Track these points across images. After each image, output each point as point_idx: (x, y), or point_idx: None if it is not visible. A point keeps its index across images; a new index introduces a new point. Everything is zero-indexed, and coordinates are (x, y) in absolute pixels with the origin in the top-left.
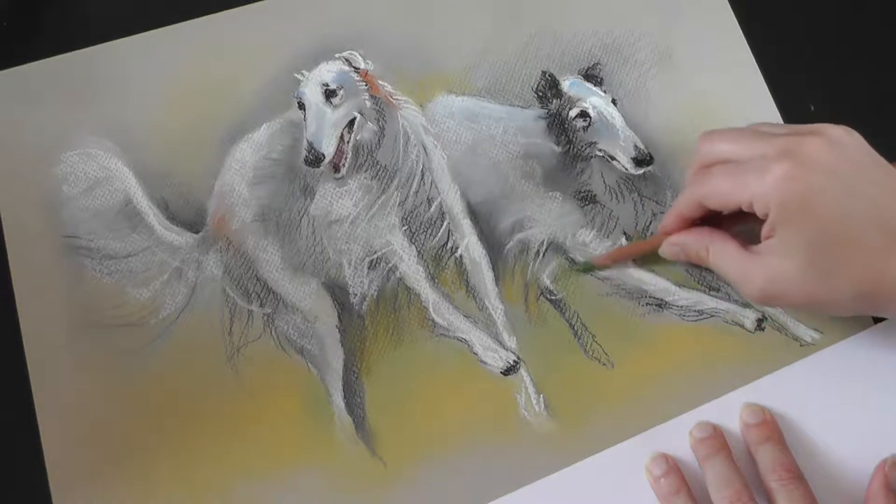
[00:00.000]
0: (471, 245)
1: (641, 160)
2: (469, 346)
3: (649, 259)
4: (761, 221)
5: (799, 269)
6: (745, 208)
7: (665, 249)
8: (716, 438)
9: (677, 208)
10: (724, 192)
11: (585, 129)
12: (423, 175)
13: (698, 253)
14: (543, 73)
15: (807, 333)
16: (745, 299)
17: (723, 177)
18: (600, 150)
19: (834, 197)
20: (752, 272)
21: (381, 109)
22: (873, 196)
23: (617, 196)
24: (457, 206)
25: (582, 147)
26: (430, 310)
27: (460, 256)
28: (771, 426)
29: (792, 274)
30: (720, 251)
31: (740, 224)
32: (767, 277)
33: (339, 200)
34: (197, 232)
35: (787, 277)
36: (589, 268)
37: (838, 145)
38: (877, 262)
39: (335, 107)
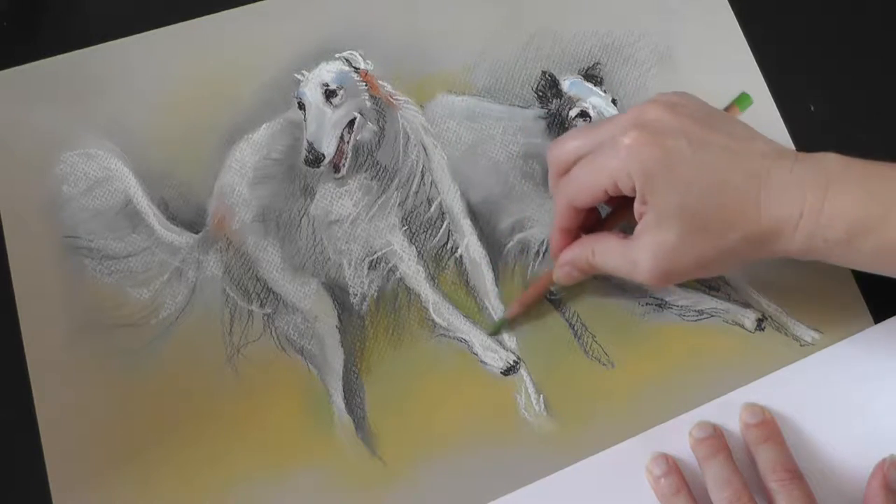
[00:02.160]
0: (471, 245)
1: None
2: (469, 346)
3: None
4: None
5: (679, 237)
6: (611, 192)
7: (558, 275)
8: (716, 439)
9: (556, 224)
10: (587, 183)
11: None
12: (423, 175)
13: (587, 260)
14: (543, 72)
15: (807, 333)
16: (644, 285)
17: (580, 170)
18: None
19: (689, 154)
20: (637, 257)
21: (381, 109)
22: (725, 144)
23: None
24: (457, 206)
25: None
26: (430, 310)
27: (460, 256)
28: (771, 426)
29: (674, 243)
30: (603, 250)
31: (621, 221)
32: (653, 255)
33: (339, 200)
34: (197, 232)
35: (671, 248)
36: (501, 325)
37: (677, 106)
38: (749, 207)
39: (335, 107)
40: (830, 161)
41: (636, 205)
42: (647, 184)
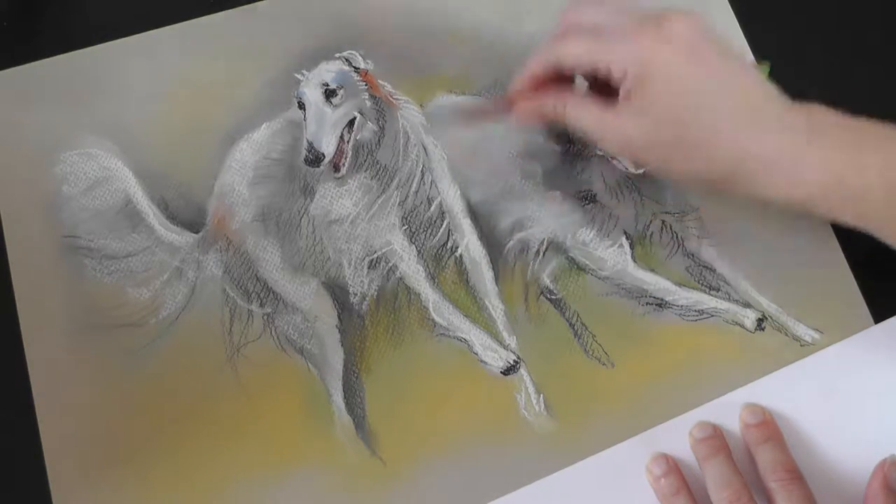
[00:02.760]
0: (471, 245)
1: None
2: (469, 345)
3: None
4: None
5: (654, 137)
6: (600, 69)
7: (519, 110)
8: (715, 439)
9: (530, 68)
10: (586, 52)
11: None
12: (423, 175)
13: (555, 108)
14: None
15: (807, 333)
16: (605, 152)
17: (585, 38)
18: (600, 150)
19: (692, 70)
20: (610, 126)
21: (381, 109)
22: (730, 74)
23: (617, 195)
24: (457, 206)
25: (582, 146)
26: (430, 309)
27: (460, 256)
28: (771, 426)
29: (647, 140)
30: (579, 106)
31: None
32: (624, 133)
33: (339, 200)
34: (197, 232)
35: (644, 135)
36: None
37: (702, 29)
38: (732, 137)
39: (335, 106)
40: (819, 113)
41: (622, 91)
42: (641, 78)
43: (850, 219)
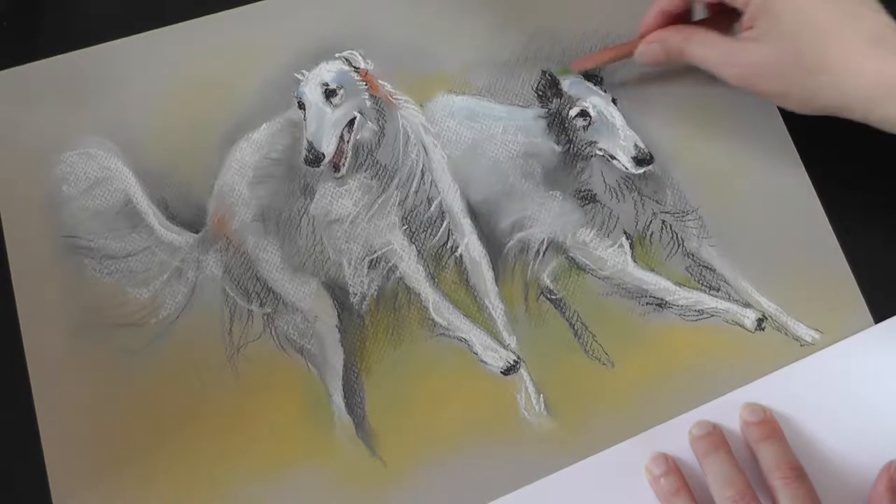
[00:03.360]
0: (471, 244)
1: (642, 159)
2: (469, 345)
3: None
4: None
5: (778, 57)
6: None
7: (643, 49)
8: (715, 435)
9: (659, 4)
10: None
11: (585, 128)
12: (423, 174)
13: (679, 46)
14: (543, 72)
15: (807, 333)
16: (725, 81)
17: None
18: (600, 150)
19: None
20: (734, 54)
21: (381, 109)
22: (854, 4)
23: (617, 195)
24: (457, 206)
25: (582, 146)
26: (430, 309)
27: (460, 256)
28: (772, 424)
29: (772, 59)
30: (703, 39)
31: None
32: (747, 60)
33: (339, 200)
34: (197, 232)
35: (767, 61)
36: (565, 72)
37: None
38: (867, 63)
39: (335, 106)
40: None
41: (746, 19)
42: (764, 12)
43: None
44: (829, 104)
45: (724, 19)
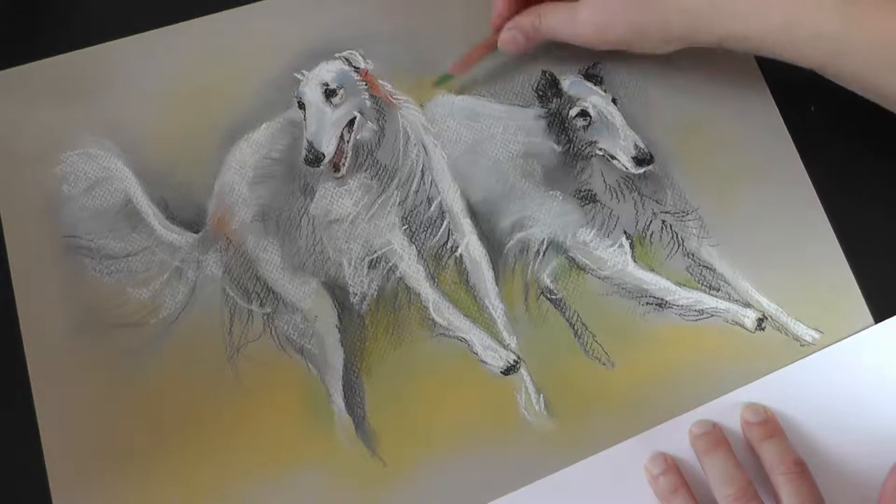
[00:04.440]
0: (471, 244)
1: (642, 159)
2: (469, 345)
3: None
4: None
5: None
6: None
7: (503, 38)
8: (714, 433)
9: None
10: None
11: (585, 128)
12: (423, 174)
13: (532, 24)
14: (543, 72)
15: (807, 333)
16: (582, 44)
17: None
18: (600, 150)
19: None
20: (579, 14)
21: (381, 109)
22: None
23: (617, 195)
24: (457, 206)
25: (582, 146)
26: (430, 309)
27: (460, 256)
28: (773, 424)
29: (614, 6)
30: (549, 12)
31: None
32: (593, 11)
33: (339, 200)
34: (197, 232)
35: (611, 8)
36: (446, 79)
37: None
38: None
39: (335, 106)
40: None
41: None
42: None
43: (803, 60)
44: (682, 32)
45: None
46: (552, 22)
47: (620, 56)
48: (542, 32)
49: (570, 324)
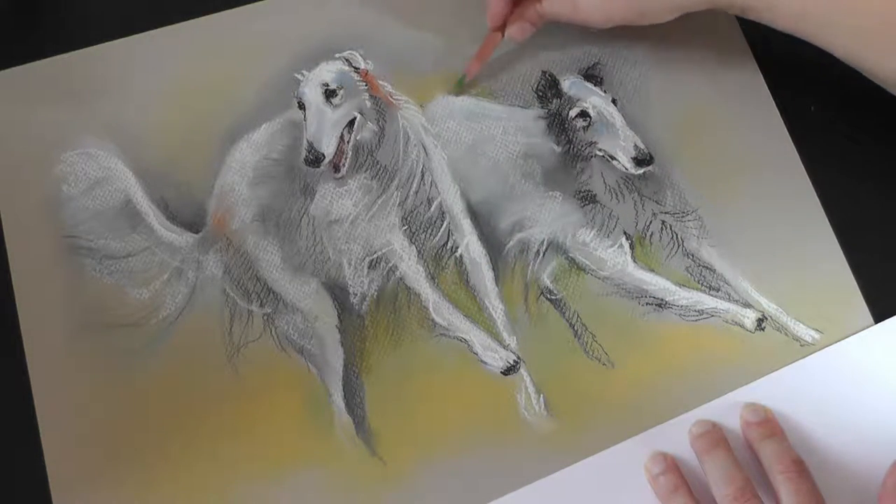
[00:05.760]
0: (471, 245)
1: (642, 160)
2: (469, 345)
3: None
4: None
5: None
6: None
7: (513, 29)
8: (714, 433)
9: None
10: None
11: (585, 128)
12: (423, 175)
13: (535, 10)
14: (543, 72)
15: (807, 333)
16: (587, 26)
17: None
18: (600, 150)
19: None
20: (579, 2)
21: (382, 109)
22: None
23: (617, 196)
24: (457, 206)
25: (582, 147)
26: (431, 309)
27: (460, 256)
28: (773, 423)
29: None
30: (550, 2)
31: None
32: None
33: (339, 200)
34: (197, 232)
35: None
36: (462, 81)
37: None
38: None
39: (335, 107)
40: None
41: None
42: None
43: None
44: (685, 5)
45: None
46: (555, 8)
47: (620, 56)
48: (547, 19)
49: (570, 324)
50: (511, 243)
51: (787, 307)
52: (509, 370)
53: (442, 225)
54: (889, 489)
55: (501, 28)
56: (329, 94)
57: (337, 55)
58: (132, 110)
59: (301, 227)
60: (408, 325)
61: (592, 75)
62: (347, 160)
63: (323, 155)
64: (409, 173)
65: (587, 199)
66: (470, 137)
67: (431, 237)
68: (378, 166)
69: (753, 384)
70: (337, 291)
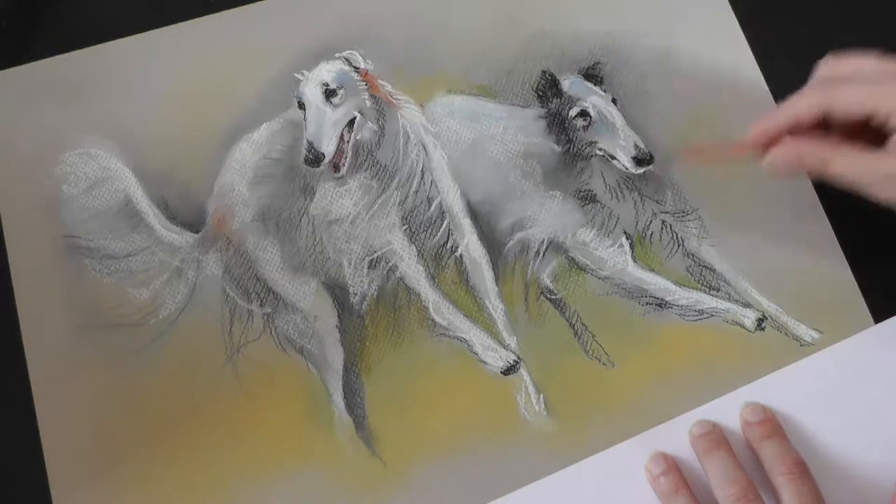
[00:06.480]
0: (471, 244)
1: (642, 159)
2: (469, 345)
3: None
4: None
5: None
6: (878, 115)
7: (775, 157)
8: (715, 433)
9: (794, 112)
10: (859, 100)
11: (585, 128)
12: (423, 174)
13: (822, 159)
14: (543, 72)
15: (807, 333)
16: (886, 201)
17: (858, 86)
18: (600, 150)
19: None
20: (884, 168)
21: (381, 109)
22: None
23: (617, 195)
24: (457, 206)
25: (582, 146)
26: (430, 309)
27: (460, 256)
28: (773, 423)
29: None
30: (848, 157)
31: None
32: None
33: (339, 200)
34: (197, 232)
35: None
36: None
37: None
38: None
39: (335, 106)
40: None
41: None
42: None
43: None
44: None
45: (860, 135)
46: (846, 170)
47: (620, 56)
48: (832, 174)
49: (570, 324)
50: (511, 243)
51: (787, 307)
52: (509, 370)
53: (442, 224)
54: None
55: (761, 147)
56: (329, 93)
57: (337, 55)
58: (132, 110)
59: (301, 226)
60: (408, 324)
61: (592, 75)
62: (347, 160)
63: (323, 154)
64: (409, 173)
65: (587, 198)
66: (470, 137)
67: (431, 237)
68: (378, 166)
69: (753, 384)
70: (337, 291)
